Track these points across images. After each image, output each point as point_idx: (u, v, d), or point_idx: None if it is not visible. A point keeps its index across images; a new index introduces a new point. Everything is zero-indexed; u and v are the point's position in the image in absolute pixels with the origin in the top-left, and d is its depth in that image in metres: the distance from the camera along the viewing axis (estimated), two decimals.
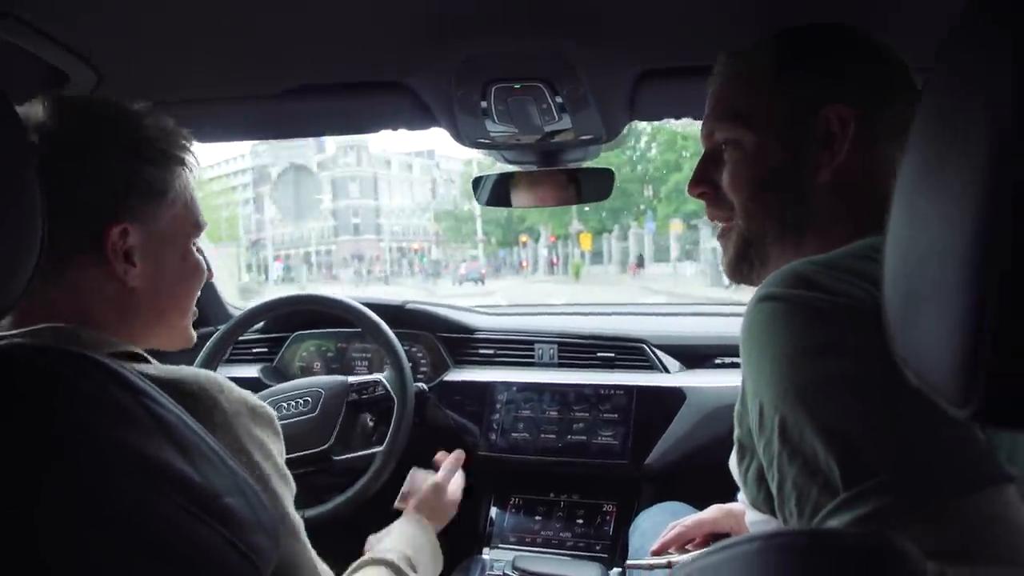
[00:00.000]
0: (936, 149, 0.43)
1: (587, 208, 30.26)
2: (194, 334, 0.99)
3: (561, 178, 1.57)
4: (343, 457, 1.66)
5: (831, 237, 0.81)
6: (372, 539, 1.33)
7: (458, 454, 1.60)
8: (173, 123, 0.90)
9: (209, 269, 0.97)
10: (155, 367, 0.79)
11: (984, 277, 0.38)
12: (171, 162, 0.88)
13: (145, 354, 0.83)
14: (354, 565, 1.14)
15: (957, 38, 0.42)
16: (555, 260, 39.88)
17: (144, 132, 0.86)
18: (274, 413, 0.87)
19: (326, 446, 1.61)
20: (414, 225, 61.36)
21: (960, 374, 0.39)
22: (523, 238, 38.01)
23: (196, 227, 0.93)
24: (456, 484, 1.54)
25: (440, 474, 1.52)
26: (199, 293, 0.97)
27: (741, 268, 0.93)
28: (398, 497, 1.48)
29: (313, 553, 0.89)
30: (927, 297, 0.42)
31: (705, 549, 0.50)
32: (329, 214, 60.35)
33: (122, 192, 0.83)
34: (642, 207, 33.88)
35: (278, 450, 0.86)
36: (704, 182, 0.96)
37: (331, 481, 1.69)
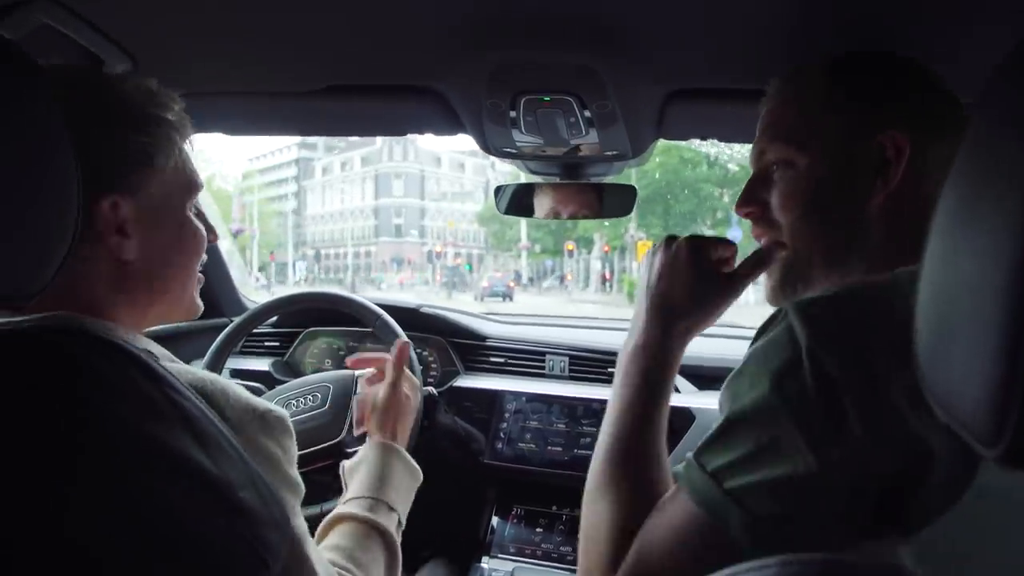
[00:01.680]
0: (976, 183, 0.42)
1: (651, 213, 27.83)
2: (200, 303, 0.96)
3: (583, 191, 1.57)
4: (355, 450, 1.66)
5: (876, 265, 0.82)
6: (346, 466, 1.26)
7: (399, 348, 1.37)
8: (156, 83, 0.85)
9: (212, 231, 0.94)
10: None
11: (1019, 315, 0.37)
12: (156, 126, 0.83)
13: (151, 350, 0.80)
14: (320, 529, 1.10)
15: (1003, 74, 0.42)
16: (607, 275, 33.73)
17: (125, 97, 0.82)
18: (285, 414, 0.84)
19: (338, 439, 1.61)
20: (462, 230, 57.25)
21: (991, 413, 0.39)
22: (569, 245, 32.85)
23: (190, 189, 0.89)
24: (411, 384, 1.39)
25: (387, 380, 1.35)
26: (199, 261, 0.93)
27: (785, 292, 0.92)
28: (354, 423, 1.46)
29: (317, 562, 0.86)
30: (960, 332, 0.41)
31: (715, 574, 0.50)
32: (371, 212, 57.00)
33: (108, 163, 0.79)
34: (719, 213, 28.11)
35: (288, 456, 0.83)
36: (753, 202, 0.95)
37: (333, 482, 1.69)
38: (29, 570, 0.62)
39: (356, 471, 1.21)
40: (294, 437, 0.85)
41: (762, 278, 0.97)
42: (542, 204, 1.59)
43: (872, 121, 0.86)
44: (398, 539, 1.13)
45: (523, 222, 34.69)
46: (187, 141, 0.89)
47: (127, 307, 0.84)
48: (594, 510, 0.86)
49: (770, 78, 0.96)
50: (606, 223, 28.57)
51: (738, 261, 0.98)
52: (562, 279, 37.13)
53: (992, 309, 0.38)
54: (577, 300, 27.82)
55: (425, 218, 56.68)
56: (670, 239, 0.98)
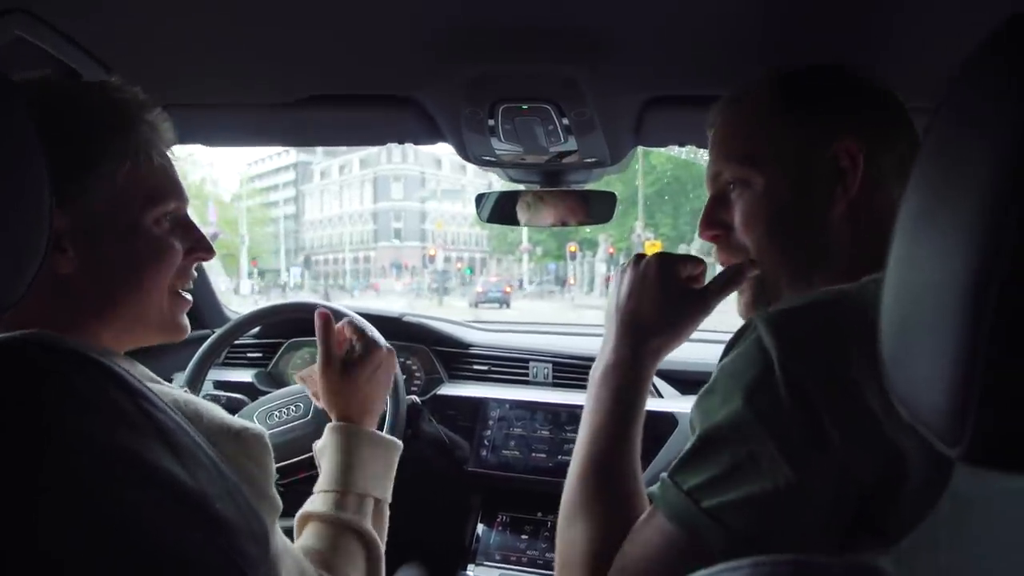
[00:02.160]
0: (937, 185, 0.43)
1: (659, 211, 26.46)
2: (185, 323, 0.90)
3: (565, 199, 1.58)
4: None
5: (841, 273, 0.82)
6: (315, 448, 1.18)
7: (320, 319, 1.22)
8: (118, 82, 0.81)
9: (203, 246, 0.90)
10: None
11: (978, 316, 0.38)
12: (97, 129, 0.78)
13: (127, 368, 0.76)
14: (295, 528, 1.05)
15: (965, 79, 0.42)
16: (612, 277, 32.38)
17: (57, 99, 0.77)
18: (262, 431, 0.82)
19: None
20: (464, 233, 55.01)
21: (951, 413, 0.40)
22: (571, 247, 29.91)
23: (150, 199, 0.82)
24: (367, 347, 1.21)
25: (320, 356, 1.19)
26: (166, 275, 0.86)
27: (756, 309, 0.92)
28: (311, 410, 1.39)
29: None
30: (921, 334, 0.42)
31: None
32: (369, 216, 55.22)
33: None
34: None
35: (265, 474, 0.81)
36: (716, 224, 0.95)
37: None
38: None
39: (323, 456, 1.14)
40: (272, 454, 0.84)
41: (734, 295, 0.96)
42: (523, 212, 1.60)
43: (824, 132, 0.87)
44: (378, 524, 1.09)
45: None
46: (156, 147, 0.83)
47: (77, 323, 0.80)
48: (571, 533, 0.85)
49: (743, 84, 0.97)
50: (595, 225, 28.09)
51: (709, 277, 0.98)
52: (563, 283, 34.44)
53: (952, 309, 0.39)
54: (581, 305, 24.85)
55: (426, 222, 54.76)
56: (639, 257, 0.97)
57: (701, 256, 0.99)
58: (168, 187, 0.85)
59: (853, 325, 0.69)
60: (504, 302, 26.71)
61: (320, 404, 1.23)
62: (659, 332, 0.92)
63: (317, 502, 1.07)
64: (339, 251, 56.01)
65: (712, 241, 0.96)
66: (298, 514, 1.08)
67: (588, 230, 29.36)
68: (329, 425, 1.16)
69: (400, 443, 1.19)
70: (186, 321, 0.91)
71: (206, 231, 0.91)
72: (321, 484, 1.10)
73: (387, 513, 1.13)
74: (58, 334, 0.73)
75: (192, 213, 0.93)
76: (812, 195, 0.87)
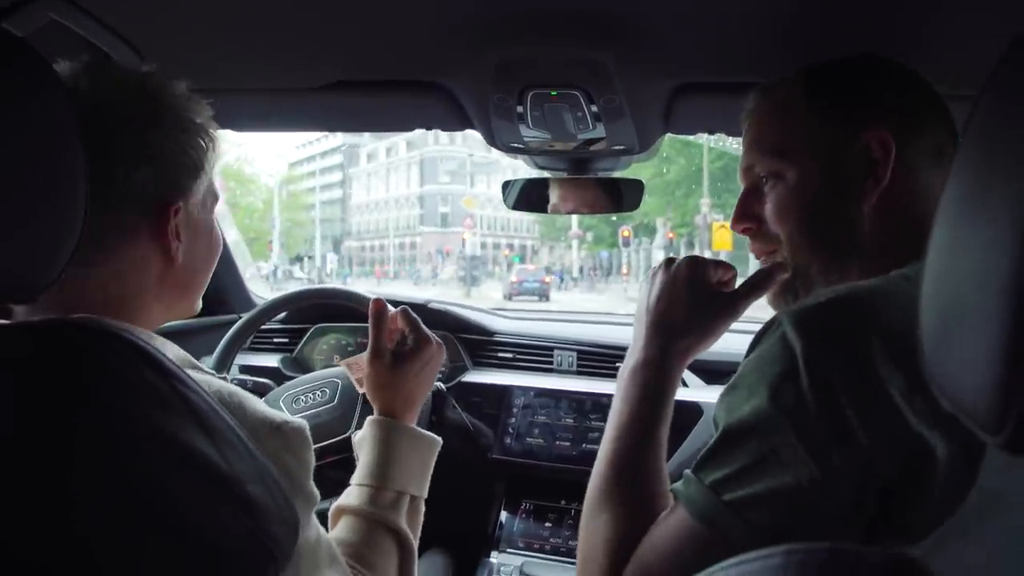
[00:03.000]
0: (981, 172, 0.42)
1: (727, 191, 21.87)
2: (200, 302, 0.97)
3: (592, 186, 1.57)
4: None
5: (876, 266, 0.82)
6: (354, 440, 1.17)
7: (374, 307, 1.20)
8: (185, 88, 0.87)
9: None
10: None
11: (1022, 303, 0.37)
12: (202, 134, 0.87)
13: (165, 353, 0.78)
14: (329, 520, 1.06)
15: (1010, 63, 0.42)
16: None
17: (175, 102, 0.85)
18: (304, 425, 0.83)
19: (348, 434, 1.61)
20: (515, 219, 50.88)
21: (994, 400, 0.39)
22: (624, 231, 26.50)
23: (215, 197, 0.93)
24: (419, 341, 1.19)
25: (371, 346, 1.17)
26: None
27: (786, 299, 0.93)
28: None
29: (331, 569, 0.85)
30: (964, 322, 0.42)
31: (719, 564, 0.50)
32: (416, 200, 53.20)
33: (177, 168, 0.83)
34: None
35: (304, 468, 0.82)
36: (748, 217, 0.95)
37: (345, 476, 1.69)
38: (35, 559, 0.62)
39: (361, 448, 1.13)
40: (312, 447, 0.84)
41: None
42: (551, 199, 1.59)
43: (855, 123, 0.87)
44: (412, 520, 1.09)
45: None
46: (216, 148, 0.91)
47: (160, 306, 0.87)
48: (594, 525, 0.85)
49: (777, 72, 0.96)
50: (666, 204, 25.81)
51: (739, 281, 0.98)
52: (608, 272, 30.91)
53: (996, 298, 0.39)
54: (634, 298, 20.97)
55: (473, 206, 51.34)
56: (670, 260, 0.98)
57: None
58: (216, 187, 0.93)
59: (879, 321, 0.69)
60: (542, 294, 24.74)
61: (362, 390, 1.22)
62: (688, 333, 0.93)
63: (353, 495, 1.08)
64: (384, 237, 54.38)
65: (744, 234, 0.97)
66: (333, 506, 1.08)
67: (645, 213, 27.36)
68: (370, 418, 1.15)
69: (439, 440, 1.18)
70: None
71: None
72: (358, 477, 1.10)
73: (422, 510, 1.13)
74: (110, 317, 0.76)
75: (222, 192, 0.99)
76: (844, 186, 0.87)
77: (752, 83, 1.07)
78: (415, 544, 1.08)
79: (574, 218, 28.50)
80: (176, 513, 0.67)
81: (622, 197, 1.57)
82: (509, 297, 24.15)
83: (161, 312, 0.88)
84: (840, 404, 0.68)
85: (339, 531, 1.05)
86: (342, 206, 57.04)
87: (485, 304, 2.49)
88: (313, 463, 0.84)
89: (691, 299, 0.93)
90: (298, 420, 0.83)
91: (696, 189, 23.43)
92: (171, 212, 0.82)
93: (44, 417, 0.65)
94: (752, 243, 0.97)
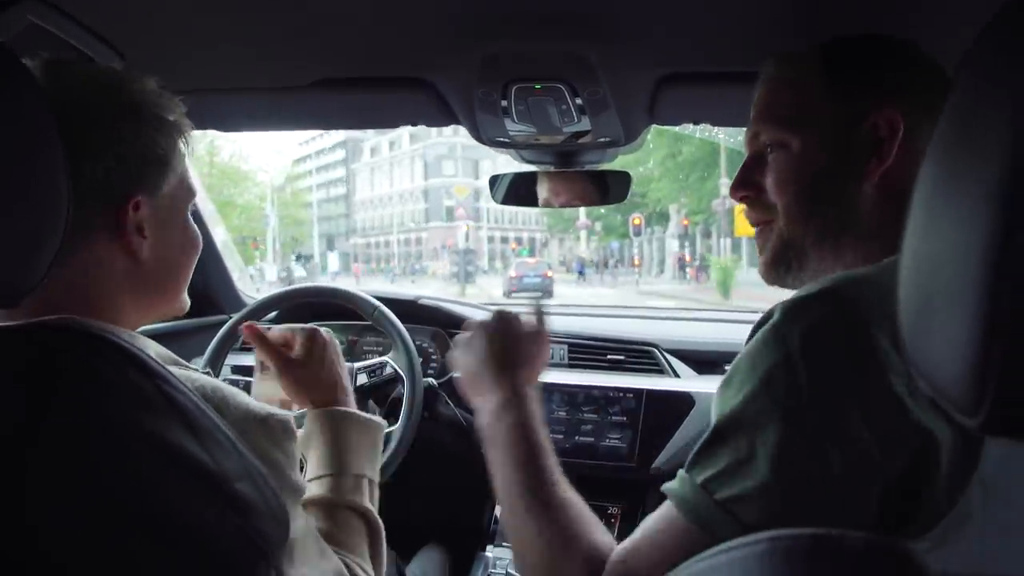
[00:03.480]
0: (957, 151, 0.42)
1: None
2: (187, 300, 0.96)
3: (579, 179, 1.57)
4: None
5: (872, 247, 0.82)
6: (298, 441, 1.11)
7: (247, 331, 1.24)
8: (155, 83, 0.85)
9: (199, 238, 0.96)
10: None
11: (997, 285, 0.38)
12: (171, 128, 0.85)
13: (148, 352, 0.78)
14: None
15: (985, 43, 0.42)
16: (686, 256, 26.68)
17: (143, 97, 0.83)
18: (289, 416, 0.83)
19: None
20: (523, 211, 48.67)
21: (970, 382, 0.39)
22: (635, 218, 24.94)
23: (190, 193, 0.91)
24: (308, 336, 1.20)
25: (271, 363, 1.21)
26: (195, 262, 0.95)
27: (778, 270, 0.93)
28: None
29: (321, 561, 0.86)
30: (941, 303, 0.42)
31: (705, 552, 0.50)
32: (420, 195, 52.06)
33: (136, 162, 0.81)
34: None
35: (290, 460, 0.83)
36: (748, 185, 0.96)
37: None
38: (21, 562, 0.62)
39: (308, 445, 1.13)
40: (296, 439, 0.85)
41: (757, 256, 0.98)
42: (538, 193, 1.59)
43: (865, 100, 0.87)
44: (372, 501, 1.11)
45: None
46: (190, 146, 0.90)
47: (131, 306, 0.85)
48: (530, 560, 0.88)
49: (761, 60, 0.96)
50: (680, 189, 24.36)
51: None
52: (633, 263, 28.17)
53: (971, 278, 0.39)
54: (647, 292, 21.03)
55: (480, 199, 50.03)
56: (482, 323, 1.08)
57: None
58: (193, 183, 0.93)
59: (873, 310, 0.68)
60: (544, 290, 23.00)
61: (296, 409, 1.24)
62: (522, 366, 1.03)
63: (313, 488, 1.07)
64: (389, 233, 53.22)
65: (742, 202, 0.97)
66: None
67: (657, 200, 26.35)
68: (311, 412, 1.15)
69: (384, 422, 1.20)
70: (187, 297, 0.97)
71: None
72: (313, 471, 1.10)
73: (377, 493, 1.14)
74: (81, 318, 0.76)
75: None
76: (847, 162, 0.87)
77: (737, 72, 1.08)
78: (381, 525, 1.10)
79: (581, 208, 26.16)
80: (164, 513, 0.67)
81: (609, 189, 1.57)
82: (508, 294, 23.23)
83: (139, 311, 0.87)
84: (838, 397, 0.66)
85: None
86: (346, 202, 55.66)
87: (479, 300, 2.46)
88: (299, 455, 0.85)
89: (512, 341, 1.05)
90: (282, 412, 0.83)
91: (713, 171, 22.25)
92: (129, 207, 0.80)
93: (28, 420, 0.65)
94: (748, 210, 0.97)
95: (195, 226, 0.94)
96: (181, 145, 0.88)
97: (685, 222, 25.87)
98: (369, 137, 55.45)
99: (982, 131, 0.40)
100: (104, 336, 0.71)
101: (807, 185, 0.89)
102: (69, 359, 0.69)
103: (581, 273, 31.92)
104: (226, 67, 1.27)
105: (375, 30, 1.11)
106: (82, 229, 0.77)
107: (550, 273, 24.76)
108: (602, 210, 27.94)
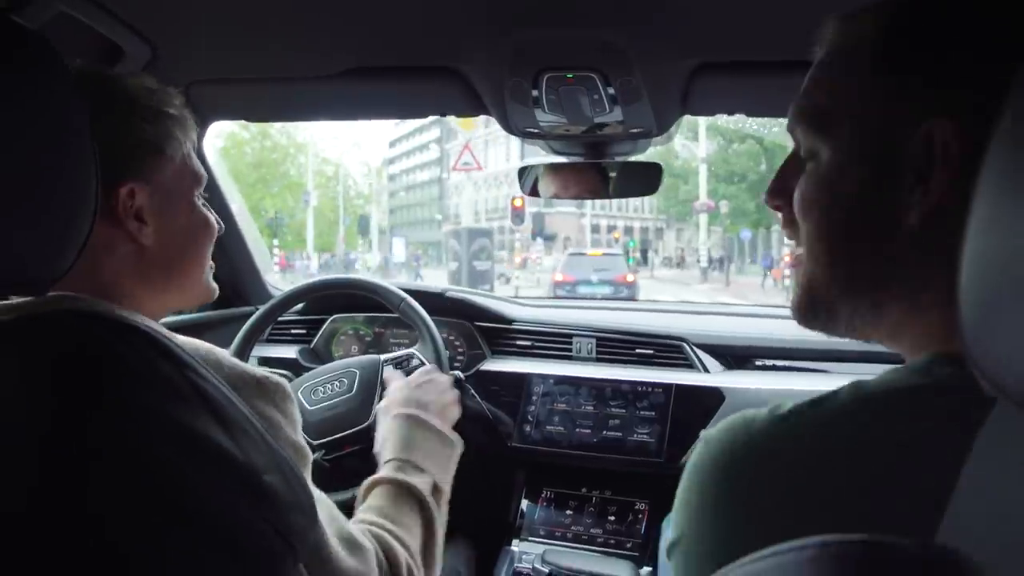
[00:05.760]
0: None
1: None
2: (215, 286, 1.00)
3: (609, 171, 1.56)
4: None
5: (919, 304, 0.63)
6: (376, 442, 1.33)
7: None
8: (155, 81, 0.90)
9: (218, 222, 0.98)
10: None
11: None
12: (162, 118, 0.88)
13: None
14: (359, 497, 1.16)
15: None
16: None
17: (131, 91, 0.86)
18: (283, 380, 0.86)
19: (367, 424, 1.61)
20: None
21: None
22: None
23: (197, 179, 0.94)
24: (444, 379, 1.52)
25: (426, 367, 1.54)
26: (211, 247, 0.97)
27: (807, 317, 0.72)
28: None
29: (328, 531, 0.86)
30: (1009, 301, 0.40)
31: (750, 556, 0.48)
32: (516, 176, 51.35)
33: (123, 151, 0.83)
34: None
35: (289, 420, 0.85)
36: (781, 193, 0.73)
37: (363, 466, 1.69)
38: (55, 552, 0.62)
39: (384, 446, 1.26)
40: (295, 403, 0.88)
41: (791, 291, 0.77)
42: (568, 184, 1.58)
43: (921, 103, 0.60)
44: (436, 502, 1.16)
45: (701, 169, 24.86)
46: (191, 135, 0.92)
47: (145, 293, 0.87)
48: None
49: (805, 48, 0.87)
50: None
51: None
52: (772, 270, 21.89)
53: None
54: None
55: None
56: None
57: None
58: (201, 169, 0.95)
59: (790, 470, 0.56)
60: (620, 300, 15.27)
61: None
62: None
63: (381, 471, 1.18)
64: (490, 220, 49.47)
65: (776, 211, 0.76)
66: (365, 483, 1.17)
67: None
68: (396, 412, 1.31)
69: (461, 441, 1.31)
70: (215, 283, 1.00)
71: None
72: (385, 458, 1.22)
73: (445, 503, 1.21)
74: (108, 304, 0.77)
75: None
76: (885, 187, 0.62)
77: (775, 61, 1.05)
78: (439, 523, 1.15)
79: (703, 181, 24.84)
80: (192, 502, 0.67)
81: (640, 181, 1.56)
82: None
83: (154, 298, 0.89)
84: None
85: (371, 498, 1.13)
86: (439, 186, 54.12)
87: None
88: (299, 416, 0.88)
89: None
90: (278, 375, 0.86)
91: None
92: (121, 193, 0.82)
93: (60, 410, 0.65)
94: (783, 224, 0.76)
95: (206, 212, 0.95)
96: (178, 133, 0.89)
97: None
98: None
99: None
100: (130, 323, 0.72)
101: (831, 210, 0.66)
102: (99, 348, 0.69)
103: (770, 268, 23.33)
104: (256, 56, 1.27)
105: (406, 18, 1.10)
106: None
107: (631, 278, 16.87)
108: (731, 188, 25.03)
